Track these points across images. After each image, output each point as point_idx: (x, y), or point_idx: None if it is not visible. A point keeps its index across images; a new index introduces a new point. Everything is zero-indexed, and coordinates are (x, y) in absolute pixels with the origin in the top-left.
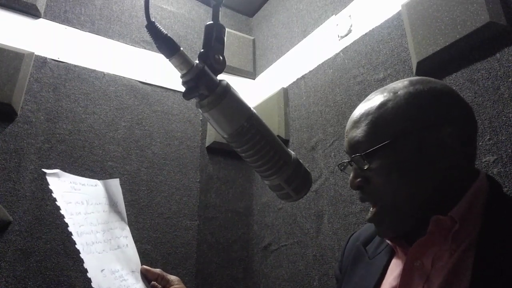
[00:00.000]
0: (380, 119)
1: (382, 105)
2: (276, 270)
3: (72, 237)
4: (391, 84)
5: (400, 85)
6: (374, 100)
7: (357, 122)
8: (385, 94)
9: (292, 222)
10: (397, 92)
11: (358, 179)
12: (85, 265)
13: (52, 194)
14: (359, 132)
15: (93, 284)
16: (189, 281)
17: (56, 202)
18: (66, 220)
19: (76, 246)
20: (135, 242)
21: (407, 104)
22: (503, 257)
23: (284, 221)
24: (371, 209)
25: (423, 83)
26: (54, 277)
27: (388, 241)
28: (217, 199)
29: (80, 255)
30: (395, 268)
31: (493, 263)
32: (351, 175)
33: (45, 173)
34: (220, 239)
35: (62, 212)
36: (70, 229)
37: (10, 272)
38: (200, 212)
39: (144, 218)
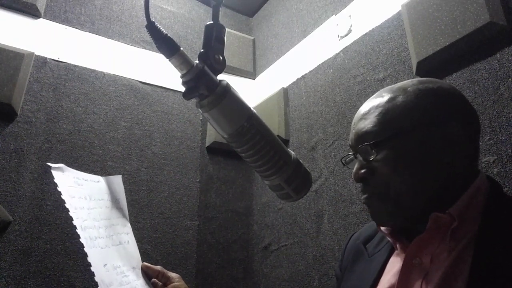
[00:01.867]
0: (389, 112)
1: (391, 99)
2: (276, 270)
3: (76, 230)
4: (399, 83)
5: (409, 83)
6: (383, 95)
7: (365, 114)
8: (394, 90)
9: (292, 222)
10: (406, 89)
11: (363, 170)
12: (89, 259)
13: (57, 188)
14: (368, 123)
15: (96, 278)
16: (189, 281)
17: (61, 196)
18: (70, 213)
19: (80, 239)
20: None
21: (417, 99)
22: (501, 255)
23: (284, 221)
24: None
25: (432, 82)
26: (54, 277)
27: (389, 238)
28: (217, 199)
29: (84, 249)
30: (394, 265)
31: (491, 261)
32: (356, 166)
33: (49, 167)
34: (220, 239)
35: (67, 205)
36: (75, 222)
37: (10, 272)
38: (200, 212)
39: (144, 218)
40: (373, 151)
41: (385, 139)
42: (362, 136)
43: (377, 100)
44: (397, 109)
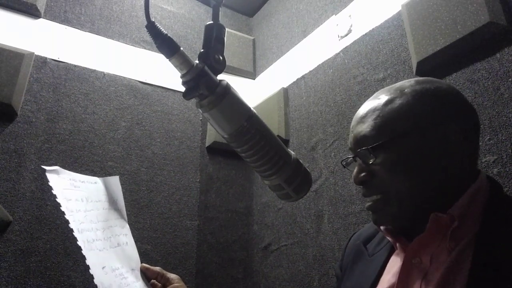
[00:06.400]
0: (387, 115)
1: (389, 102)
2: (276, 270)
3: (73, 233)
4: (397, 83)
5: (406, 84)
6: (380, 97)
7: (363, 118)
8: (391, 92)
9: (292, 222)
10: (404, 90)
11: (363, 174)
12: (87, 262)
13: (52, 191)
14: (366, 127)
15: (95, 281)
16: (189, 281)
17: (56, 199)
18: (66, 217)
19: (78, 243)
20: (135, 242)
21: (414, 101)
22: (501, 255)
23: (284, 221)
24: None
25: (430, 83)
26: (54, 277)
27: (389, 238)
28: (217, 199)
29: (82, 251)
30: (394, 265)
31: (490, 262)
32: (355, 170)
33: (44, 170)
34: (220, 239)
35: (62, 209)
36: (71, 226)
37: (10, 272)
38: (200, 212)
39: (144, 218)
40: (372, 155)
41: (383, 143)
42: (360, 140)
43: (374, 102)
44: (395, 112)
